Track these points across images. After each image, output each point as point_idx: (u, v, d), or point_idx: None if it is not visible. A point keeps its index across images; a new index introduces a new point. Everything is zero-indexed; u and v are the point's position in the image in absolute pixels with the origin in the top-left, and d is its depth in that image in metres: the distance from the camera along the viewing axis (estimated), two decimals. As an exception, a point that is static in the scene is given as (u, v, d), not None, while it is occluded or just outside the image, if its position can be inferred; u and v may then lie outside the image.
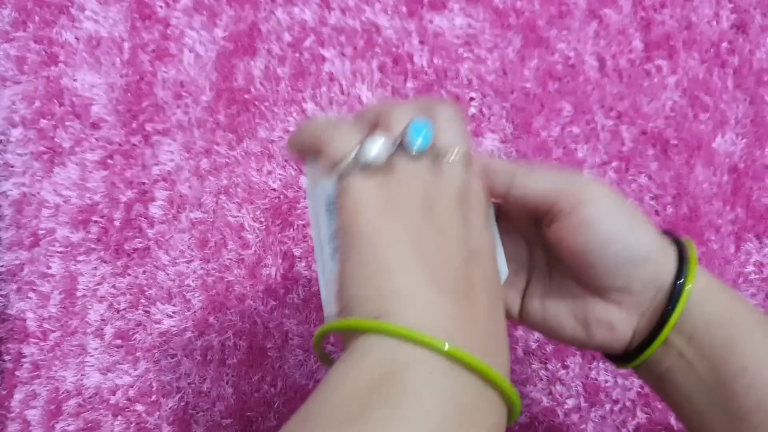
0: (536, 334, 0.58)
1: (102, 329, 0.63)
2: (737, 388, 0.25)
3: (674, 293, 0.26)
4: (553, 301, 0.30)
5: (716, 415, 0.26)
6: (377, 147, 0.24)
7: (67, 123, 0.67)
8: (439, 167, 0.25)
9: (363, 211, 0.23)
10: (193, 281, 0.63)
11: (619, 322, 0.28)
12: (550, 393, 0.58)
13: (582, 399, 0.58)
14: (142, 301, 0.63)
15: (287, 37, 0.65)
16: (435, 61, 0.63)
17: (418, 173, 0.24)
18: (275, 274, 0.62)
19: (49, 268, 0.65)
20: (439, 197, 0.24)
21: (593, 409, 0.58)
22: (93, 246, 0.65)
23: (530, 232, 0.32)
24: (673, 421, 0.58)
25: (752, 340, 0.26)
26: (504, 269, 0.29)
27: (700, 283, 0.27)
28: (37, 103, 0.68)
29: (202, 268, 0.63)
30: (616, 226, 0.27)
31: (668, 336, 0.27)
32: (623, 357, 0.29)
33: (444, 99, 0.23)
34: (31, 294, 0.65)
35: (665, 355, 0.27)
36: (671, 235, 0.30)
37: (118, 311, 0.64)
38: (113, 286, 0.64)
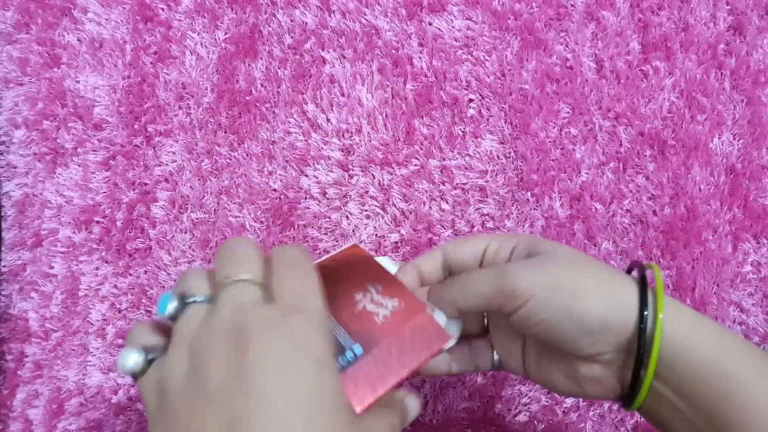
0: (535, 334, 0.59)
1: (104, 329, 0.64)
2: None
3: (641, 344, 0.26)
4: (546, 364, 0.32)
5: None
6: (132, 360, 0.24)
7: (69, 124, 0.67)
8: (211, 314, 0.22)
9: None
10: (194, 281, 0.63)
11: (604, 377, 0.29)
12: (549, 392, 0.59)
13: (580, 398, 0.58)
14: (143, 301, 0.64)
15: (288, 40, 0.66)
16: (434, 63, 0.64)
17: (189, 336, 0.22)
18: (276, 274, 0.62)
19: (52, 268, 0.65)
20: (202, 348, 0.21)
21: (592, 408, 0.58)
22: (95, 246, 0.65)
23: None
24: (671, 420, 0.58)
25: (747, 391, 0.25)
26: (455, 333, 0.32)
27: (680, 330, 0.26)
28: (40, 105, 0.68)
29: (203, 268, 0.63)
30: (557, 309, 0.27)
31: (655, 387, 0.27)
32: (625, 401, 0.30)
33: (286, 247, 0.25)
34: (33, 294, 0.66)
35: (658, 405, 0.28)
36: (635, 266, 0.30)
37: (119, 311, 0.64)
38: (115, 286, 0.64)
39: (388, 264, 0.33)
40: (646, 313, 0.26)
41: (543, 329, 0.28)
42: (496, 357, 0.36)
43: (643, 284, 0.27)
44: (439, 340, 0.28)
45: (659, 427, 0.30)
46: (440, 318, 0.31)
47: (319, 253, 0.62)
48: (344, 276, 0.30)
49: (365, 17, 0.65)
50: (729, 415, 0.25)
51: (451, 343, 0.30)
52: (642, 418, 0.58)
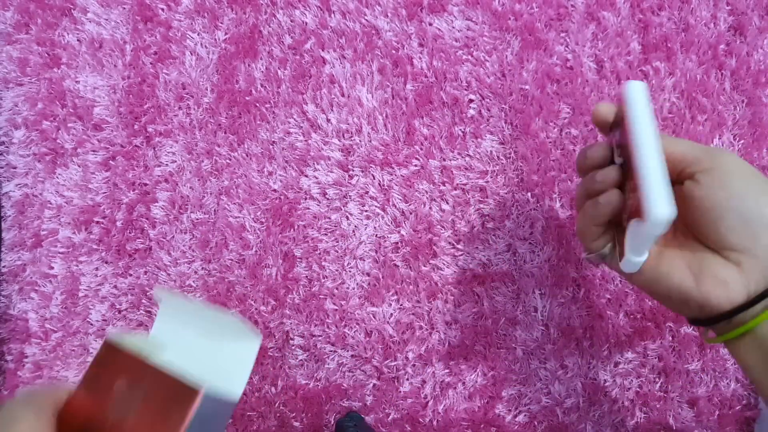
0: (535, 334, 0.59)
1: (104, 329, 0.64)
2: None
3: None
4: (671, 247, 0.31)
5: None
6: None
7: (69, 124, 0.67)
8: None
9: None
10: (194, 281, 0.63)
11: (734, 280, 0.28)
12: (549, 392, 0.58)
13: (581, 398, 0.58)
14: (143, 301, 0.64)
15: (288, 40, 0.66)
16: (434, 63, 0.63)
17: None
18: (276, 275, 0.62)
19: (51, 268, 0.65)
20: None
21: (592, 409, 0.58)
22: (95, 246, 0.65)
23: None
24: (671, 420, 0.58)
25: None
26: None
27: None
28: (40, 105, 0.68)
29: (203, 268, 0.63)
30: (750, 185, 0.29)
31: None
32: (725, 317, 0.29)
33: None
34: (33, 294, 0.66)
35: None
36: None
37: (119, 311, 0.64)
38: (115, 287, 0.64)
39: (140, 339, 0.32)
40: None
41: (725, 197, 0.28)
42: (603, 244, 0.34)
43: None
44: (187, 399, 0.27)
45: (764, 357, 0.28)
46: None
47: (319, 253, 0.62)
48: (99, 386, 0.30)
49: (365, 17, 0.65)
50: None
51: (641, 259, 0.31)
52: (641, 418, 0.58)
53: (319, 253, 0.62)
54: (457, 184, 0.61)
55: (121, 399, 0.28)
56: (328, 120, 0.64)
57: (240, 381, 0.33)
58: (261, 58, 0.66)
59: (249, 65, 0.66)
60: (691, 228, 0.31)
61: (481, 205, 0.61)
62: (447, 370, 0.59)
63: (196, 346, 0.37)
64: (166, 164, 0.65)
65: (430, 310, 0.60)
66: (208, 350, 0.37)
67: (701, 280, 0.29)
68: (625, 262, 0.32)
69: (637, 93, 0.33)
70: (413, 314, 0.60)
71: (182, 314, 0.40)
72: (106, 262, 0.65)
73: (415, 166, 0.62)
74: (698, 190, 0.29)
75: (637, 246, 0.31)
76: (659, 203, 0.28)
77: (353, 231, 0.62)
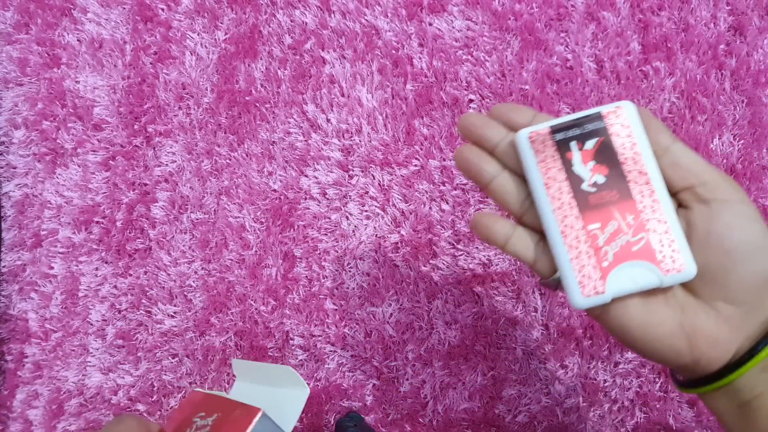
0: (535, 334, 0.59)
1: (104, 329, 0.64)
2: None
3: None
4: (658, 305, 0.27)
5: None
6: None
7: (69, 124, 0.67)
8: None
9: None
10: (194, 281, 0.63)
11: (725, 340, 0.26)
12: (549, 392, 0.58)
13: (581, 398, 0.58)
14: (143, 301, 0.64)
15: (288, 40, 0.66)
16: (434, 63, 0.63)
17: None
18: (276, 275, 0.62)
19: (51, 268, 0.65)
20: None
21: (592, 409, 0.58)
22: (95, 246, 0.65)
23: None
24: (671, 420, 0.58)
25: None
26: (692, 265, 0.26)
27: None
28: (40, 105, 0.68)
29: (203, 268, 0.63)
30: (762, 230, 0.25)
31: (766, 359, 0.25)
32: (703, 379, 0.27)
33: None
34: (33, 294, 0.66)
35: (761, 378, 0.26)
36: None
37: (119, 311, 0.64)
38: (115, 287, 0.64)
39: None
40: None
41: (746, 241, 0.25)
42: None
43: None
44: (248, 418, 0.34)
45: (735, 408, 0.27)
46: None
47: (319, 253, 0.62)
48: (181, 421, 0.37)
49: (365, 17, 0.65)
50: None
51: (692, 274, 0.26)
52: (641, 418, 0.58)
53: (319, 253, 0.62)
54: (457, 184, 0.61)
55: (198, 426, 0.35)
56: (328, 120, 0.64)
57: (292, 419, 0.40)
58: (261, 58, 0.66)
59: (249, 65, 0.66)
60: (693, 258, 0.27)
61: (481, 205, 0.61)
62: (447, 370, 0.59)
63: (260, 394, 0.48)
64: (166, 164, 0.65)
65: (430, 310, 0.60)
66: (268, 397, 0.47)
67: (695, 341, 0.26)
68: (569, 296, 0.27)
69: (523, 147, 0.28)
70: (413, 314, 0.60)
71: (251, 372, 0.51)
72: (106, 262, 0.65)
73: (415, 166, 0.62)
74: (717, 225, 0.25)
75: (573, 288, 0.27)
76: (574, 293, 0.26)
77: (353, 231, 0.62)
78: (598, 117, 0.27)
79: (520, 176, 0.29)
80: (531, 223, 0.29)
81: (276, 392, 0.47)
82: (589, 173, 0.27)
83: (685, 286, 0.27)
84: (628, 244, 0.26)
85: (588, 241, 0.26)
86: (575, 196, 0.26)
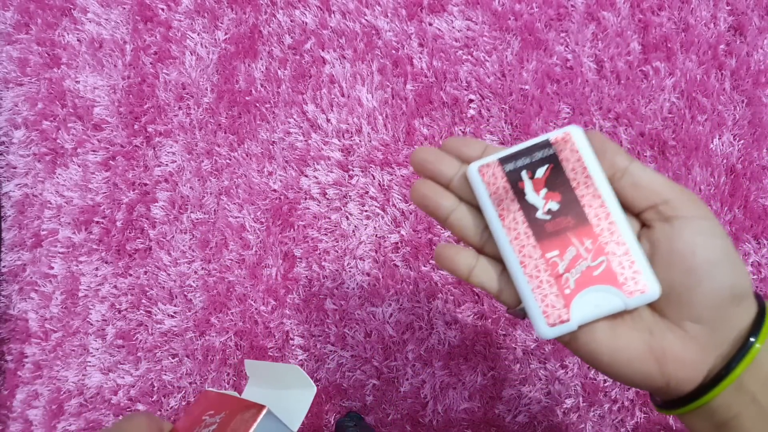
0: (535, 334, 0.59)
1: (104, 329, 0.64)
2: None
3: (754, 332, 0.25)
4: (625, 329, 0.26)
5: None
6: None
7: (69, 124, 0.67)
8: None
9: None
10: (194, 281, 0.63)
11: (694, 360, 0.25)
12: (549, 393, 0.58)
13: (581, 398, 0.58)
14: (143, 301, 0.64)
15: (288, 40, 0.66)
16: (434, 63, 0.63)
17: None
18: (276, 275, 0.62)
19: (51, 268, 0.65)
20: None
21: (592, 409, 0.58)
22: (95, 246, 0.65)
23: None
24: (671, 421, 0.58)
25: None
26: (655, 285, 0.25)
27: None
28: (40, 105, 0.68)
29: (203, 268, 0.63)
30: (728, 248, 0.25)
31: (744, 380, 0.25)
32: (679, 400, 0.27)
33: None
34: (33, 294, 0.66)
35: (736, 399, 0.25)
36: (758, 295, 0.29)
37: (119, 311, 0.64)
38: (115, 287, 0.64)
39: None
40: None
41: (707, 258, 0.24)
42: None
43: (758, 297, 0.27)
44: (253, 415, 0.35)
45: (714, 429, 0.27)
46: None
47: (319, 253, 0.62)
48: (191, 420, 0.39)
49: (365, 17, 0.65)
50: None
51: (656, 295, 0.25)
52: (641, 418, 0.58)
53: (319, 253, 0.62)
54: (457, 184, 0.62)
55: (207, 424, 0.36)
56: (328, 120, 0.64)
57: (298, 418, 0.41)
58: (261, 58, 0.66)
59: (249, 65, 0.66)
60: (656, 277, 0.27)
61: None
62: (447, 370, 0.59)
63: (270, 393, 0.50)
64: (166, 164, 0.65)
65: (430, 310, 0.60)
66: (278, 396, 0.48)
67: (664, 364, 0.26)
68: (535, 326, 0.26)
69: (474, 181, 0.27)
70: (413, 314, 0.60)
71: (263, 372, 0.54)
72: (106, 262, 0.65)
73: (415, 166, 0.62)
74: (678, 244, 0.25)
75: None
76: (539, 324, 0.25)
77: (353, 231, 0.62)
78: (547, 144, 0.27)
79: (477, 208, 0.29)
80: (492, 253, 0.29)
81: (285, 391, 0.48)
82: (543, 201, 0.26)
83: (652, 307, 0.26)
84: (588, 270, 0.25)
85: (548, 269, 0.26)
86: (531, 226, 0.26)
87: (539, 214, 0.26)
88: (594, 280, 0.25)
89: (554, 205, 0.26)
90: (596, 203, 0.26)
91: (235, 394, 0.41)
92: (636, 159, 0.27)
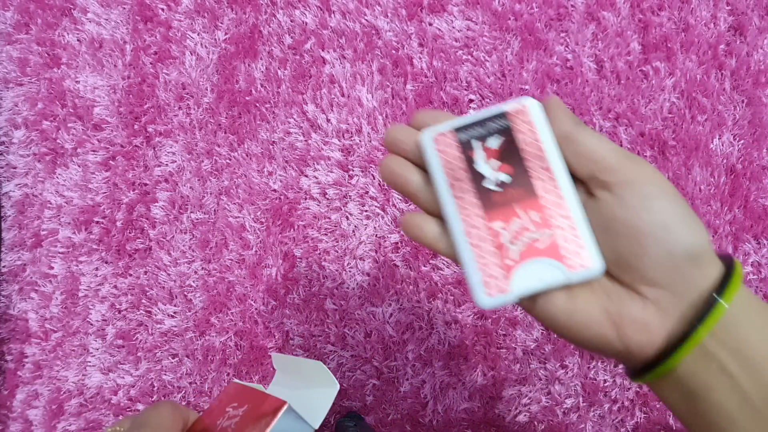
0: (535, 334, 0.59)
1: (104, 329, 0.64)
2: None
3: (719, 291, 0.24)
4: (583, 293, 0.26)
5: None
6: None
7: (69, 124, 0.67)
8: None
9: None
10: (194, 281, 0.63)
11: (655, 323, 0.25)
12: (549, 393, 0.58)
13: (581, 398, 0.58)
14: (143, 301, 0.64)
15: (288, 40, 0.66)
16: (434, 63, 0.63)
17: None
18: (276, 275, 0.62)
19: (51, 268, 0.65)
20: None
21: (592, 409, 0.58)
22: (95, 246, 0.65)
23: None
24: (671, 420, 0.58)
25: None
26: (598, 261, 0.25)
27: (745, 297, 0.25)
28: (40, 105, 0.68)
29: (203, 268, 0.63)
30: (676, 209, 0.25)
31: (708, 345, 0.25)
32: (646, 366, 0.26)
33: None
34: (33, 294, 0.66)
35: (702, 367, 0.25)
36: (722, 255, 0.28)
37: (119, 311, 0.64)
38: (115, 287, 0.64)
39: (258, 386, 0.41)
40: (733, 261, 0.25)
41: (653, 220, 0.24)
42: None
43: (727, 259, 0.27)
44: (274, 411, 0.35)
45: (682, 397, 0.26)
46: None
47: (319, 253, 0.62)
48: (216, 410, 0.40)
49: (365, 17, 0.65)
50: None
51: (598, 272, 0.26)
52: (641, 418, 0.58)
53: (319, 253, 0.62)
54: (457, 184, 0.61)
55: (230, 416, 0.37)
56: (328, 120, 0.64)
57: (319, 416, 0.41)
58: (261, 58, 0.66)
59: (249, 65, 0.66)
60: (605, 254, 0.26)
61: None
62: (447, 370, 0.59)
63: (294, 388, 0.50)
64: (166, 164, 0.65)
65: (430, 310, 0.60)
66: (301, 392, 0.48)
67: (621, 327, 0.25)
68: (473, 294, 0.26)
69: (427, 148, 0.27)
70: (413, 314, 0.60)
71: (288, 366, 0.54)
72: (106, 262, 0.65)
73: (415, 166, 0.62)
74: (620, 211, 0.25)
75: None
76: (478, 293, 0.25)
77: (353, 231, 0.62)
78: (502, 116, 0.27)
79: None
80: None
81: (308, 387, 0.49)
82: (493, 172, 0.26)
83: (609, 272, 0.26)
84: (532, 242, 0.25)
85: (492, 239, 0.26)
86: (479, 196, 0.26)
87: (488, 185, 0.26)
88: (537, 252, 0.25)
89: (504, 177, 0.26)
90: (546, 176, 0.26)
91: (261, 387, 0.41)
92: (585, 126, 0.26)
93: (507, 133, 0.27)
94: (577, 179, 0.27)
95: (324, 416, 0.44)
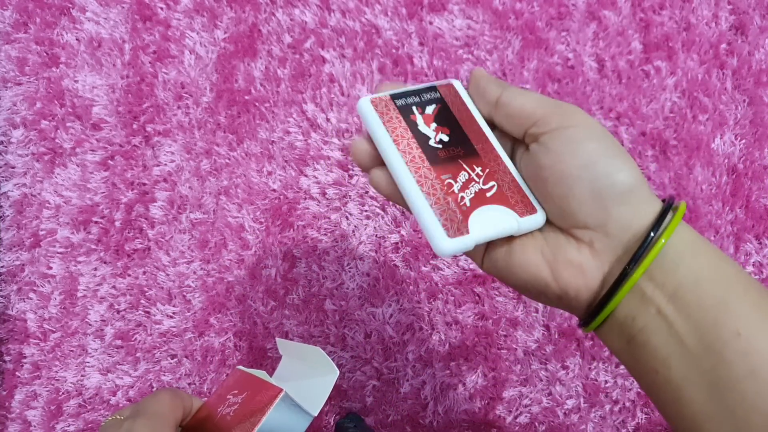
0: (536, 335, 0.59)
1: (102, 330, 0.63)
2: (728, 354, 0.22)
3: (649, 237, 0.24)
4: (523, 240, 0.27)
5: (696, 385, 0.23)
6: None
7: (68, 124, 0.67)
8: None
9: None
10: (193, 282, 0.63)
11: (589, 265, 0.25)
12: (550, 393, 0.58)
13: (582, 399, 0.58)
14: (142, 301, 0.63)
15: (288, 39, 0.66)
16: (435, 62, 0.63)
17: None
18: (275, 275, 0.62)
19: (50, 268, 0.65)
20: None
21: (593, 410, 0.58)
22: (93, 247, 0.65)
23: None
24: (672, 421, 0.58)
25: (745, 302, 0.23)
26: (542, 210, 0.27)
27: (686, 238, 0.24)
28: (38, 105, 0.68)
29: (202, 268, 0.63)
30: (601, 149, 0.25)
31: (645, 288, 0.24)
32: (591, 313, 0.26)
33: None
34: (31, 295, 0.65)
35: (640, 311, 0.24)
36: (666, 198, 0.27)
37: (118, 312, 0.64)
38: (113, 287, 0.64)
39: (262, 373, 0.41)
40: (672, 203, 0.25)
41: (574, 163, 0.25)
42: None
43: (669, 199, 0.26)
44: (270, 399, 0.36)
45: (625, 343, 0.26)
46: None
47: (319, 253, 0.62)
48: (219, 397, 0.40)
49: (365, 16, 0.65)
50: (724, 322, 0.23)
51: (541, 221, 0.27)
52: (642, 419, 0.57)
53: (319, 254, 0.62)
54: (458, 184, 0.61)
55: (231, 404, 0.38)
56: (328, 119, 0.64)
57: (318, 403, 0.41)
58: (260, 57, 0.66)
59: (248, 64, 0.66)
60: (540, 203, 0.27)
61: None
62: (447, 371, 0.59)
63: (296, 374, 0.50)
64: (165, 164, 0.65)
65: (431, 310, 0.60)
66: (302, 379, 0.49)
67: (556, 268, 0.26)
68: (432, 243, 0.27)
69: (366, 111, 0.28)
70: (413, 315, 0.60)
71: (291, 351, 0.54)
72: (105, 263, 0.65)
73: (416, 165, 0.62)
74: (545, 158, 0.25)
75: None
76: (439, 238, 0.26)
77: (353, 231, 0.62)
78: (434, 89, 0.29)
79: None
80: None
81: (309, 373, 0.49)
82: (434, 132, 0.28)
83: (548, 221, 0.27)
84: (481, 191, 0.27)
85: (444, 189, 0.27)
86: (424, 152, 0.27)
87: (431, 143, 0.28)
88: (488, 200, 0.27)
89: (444, 137, 0.28)
90: (481, 140, 0.28)
91: (265, 374, 0.41)
92: (510, 86, 0.27)
93: (440, 102, 0.29)
94: (517, 141, 0.28)
95: (323, 403, 0.44)
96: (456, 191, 0.27)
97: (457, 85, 0.29)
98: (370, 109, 0.28)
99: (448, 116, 0.28)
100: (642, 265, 0.24)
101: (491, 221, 0.26)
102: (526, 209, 0.27)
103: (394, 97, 0.28)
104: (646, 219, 0.25)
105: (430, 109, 0.28)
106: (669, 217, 0.24)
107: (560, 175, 0.25)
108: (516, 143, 0.29)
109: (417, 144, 0.27)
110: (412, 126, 0.28)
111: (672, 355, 0.24)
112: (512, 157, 0.28)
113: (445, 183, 0.27)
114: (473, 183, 0.27)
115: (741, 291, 0.23)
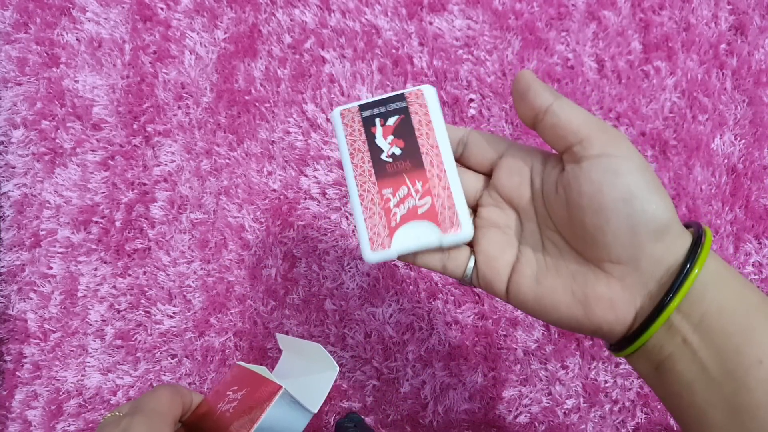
0: (536, 335, 0.59)
1: (103, 330, 0.64)
2: (749, 381, 0.22)
3: (683, 271, 0.24)
4: (549, 277, 0.27)
5: (718, 410, 0.23)
6: None
7: (68, 124, 0.67)
8: None
9: None
10: (193, 282, 0.63)
11: (621, 300, 0.25)
12: (550, 393, 0.58)
13: (581, 399, 0.58)
14: (142, 301, 0.64)
15: (288, 39, 0.66)
16: (435, 62, 0.63)
17: None
18: (275, 275, 0.62)
19: (50, 268, 0.65)
20: None
21: (593, 410, 0.58)
22: (94, 246, 0.65)
23: (521, 201, 0.29)
24: (672, 421, 0.58)
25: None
26: (468, 227, 0.28)
27: (713, 268, 0.25)
28: (39, 105, 0.68)
29: (202, 268, 0.63)
30: (642, 183, 0.24)
31: (673, 319, 0.25)
32: (622, 342, 0.27)
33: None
34: (32, 294, 0.65)
35: (667, 339, 0.25)
36: (691, 224, 0.28)
37: (118, 312, 0.64)
38: (114, 287, 0.64)
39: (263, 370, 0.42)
40: (701, 231, 0.25)
41: (613, 194, 0.24)
42: (471, 264, 0.30)
43: (696, 228, 0.27)
44: (270, 395, 0.36)
45: (653, 370, 0.26)
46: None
47: (319, 253, 0.62)
48: (219, 393, 0.40)
49: (365, 16, 0.65)
50: (746, 350, 0.23)
51: (468, 236, 0.29)
52: (642, 419, 0.57)
53: (319, 254, 0.62)
54: (458, 184, 0.61)
55: (230, 400, 0.38)
56: (328, 119, 0.64)
57: (317, 400, 0.42)
58: (260, 58, 0.66)
59: (248, 64, 0.66)
60: (567, 230, 0.27)
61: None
62: (447, 371, 0.59)
63: (296, 370, 0.50)
64: (165, 164, 0.65)
65: (431, 310, 0.60)
66: (302, 376, 0.49)
67: (589, 307, 0.26)
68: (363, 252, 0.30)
69: (335, 123, 0.31)
70: (413, 315, 0.60)
71: (292, 347, 0.54)
72: (105, 262, 0.65)
73: (415, 165, 0.62)
74: (585, 185, 0.25)
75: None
76: (364, 249, 0.29)
77: (353, 231, 0.62)
78: (401, 98, 0.30)
79: None
80: None
81: (309, 369, 0.50)
82: (388, 146, 0.30)
83: (576, 253, 0.27)
84: (414, 207, 0.29)
85: (381, 203, 0.29)
86: (374, 165, 0.30)
87: (383, 156, 0.30)
88: (417, 216, 0.29)
89: (397, 150, 0.30)
90: (433, 152, 0.30)
91: (265, 369, 0.41)
92: (562, 96, 0.27)
93: (404, 112, 0.30)
94: (555, 153, 0.28)
95: (323, 400, 0.44)
96: (392, 206, 0.29)
97: (428, 91, 0.30)
98: (339, 122, 0.31)
99: (407, 128, 0.30)
100: (676, 298, 0.24)
101: (414, 236, 0.29)
102: (452, 226, 0.29)
103: (362, 107, 0.31)
104: (678, 253, 0.25)
105: (392, 120, 0.30)
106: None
107: (599, 207, 0.25)
108: (546, 157, 0.29)
109: (370, 157, 0.30)
110: (370, 139, 0.30)
111: (696, 381, 0.24)
112: (543, 170, 0.28)
113: (384, 198, 0.29)
114: (409, 198, 0.29)
115: (764, 319, 0.24)
